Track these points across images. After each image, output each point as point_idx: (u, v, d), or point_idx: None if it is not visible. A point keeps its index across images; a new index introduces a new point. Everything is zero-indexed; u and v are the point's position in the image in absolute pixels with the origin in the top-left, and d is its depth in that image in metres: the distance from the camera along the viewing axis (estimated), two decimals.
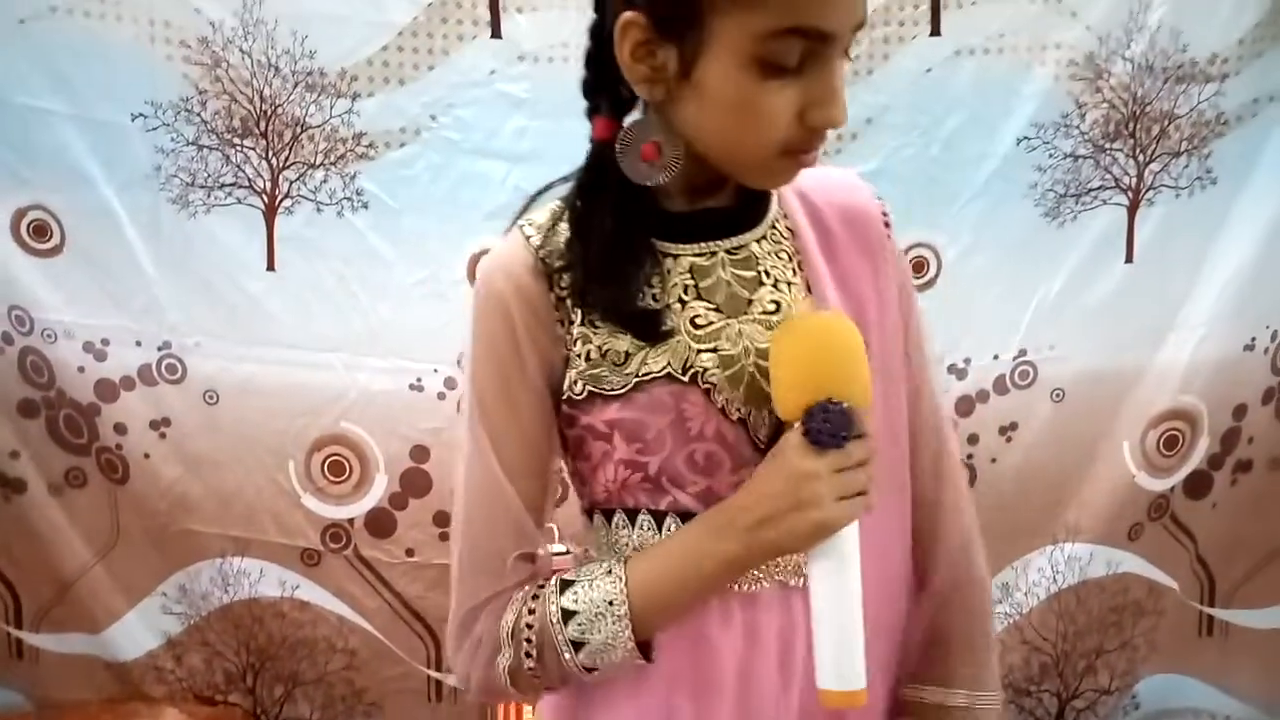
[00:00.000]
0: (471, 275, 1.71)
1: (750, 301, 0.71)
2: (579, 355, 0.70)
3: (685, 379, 0.69)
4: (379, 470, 1.77)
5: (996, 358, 1.81)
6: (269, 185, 1.69)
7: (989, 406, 1.83)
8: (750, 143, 0.65)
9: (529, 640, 0.69)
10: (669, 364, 0.69)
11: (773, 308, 0.71)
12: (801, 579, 0.71)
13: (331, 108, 1.66)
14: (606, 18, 0.68)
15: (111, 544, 1.80)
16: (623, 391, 0.69)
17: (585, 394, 0.70)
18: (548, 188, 0.75)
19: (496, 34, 1.65)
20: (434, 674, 1.86)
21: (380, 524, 1.80)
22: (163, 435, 1.75)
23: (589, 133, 0.72)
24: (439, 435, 1.76)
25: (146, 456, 1.75)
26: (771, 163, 0.66)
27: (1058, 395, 1.83)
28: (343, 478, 1.78)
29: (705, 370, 0.69)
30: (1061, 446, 1.84)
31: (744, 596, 0.71)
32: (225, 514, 1.78)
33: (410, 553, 1.80)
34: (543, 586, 0.71)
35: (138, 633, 1.83)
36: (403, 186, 1.69)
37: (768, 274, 0.72)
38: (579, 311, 0.70)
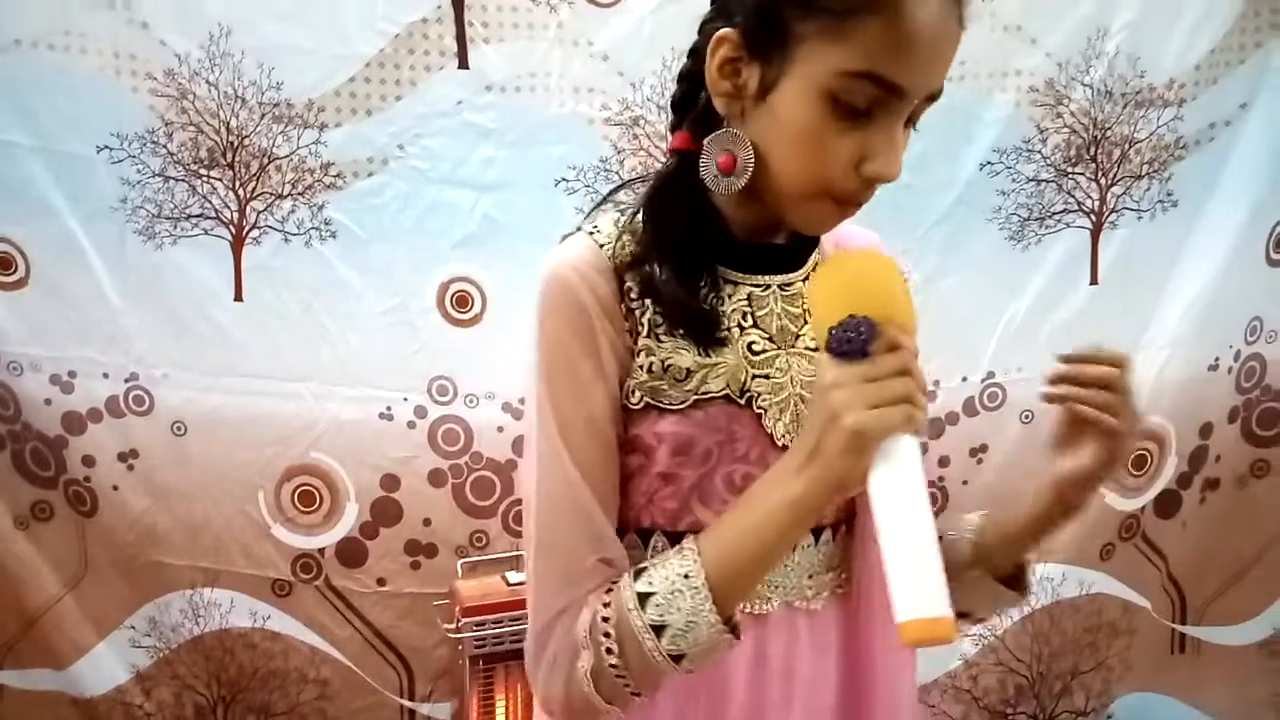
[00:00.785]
0: (440, 304, 1.73)
1: (798, 336, 0.74)
2: (640, 366, 0.71)
3: (741, 401, 0.71)
4: (349, 500, 1.77)
5: (965, 380, 1.82)
6: (236, 216, 1.68)
7: (959, 428, 1.84)
8: (803, 174, 0.67)
9: (607, 635, 0.65)
10: (728, 385, 0.71)
11: (814, 345, 0.74)
12: (805, 600, 0.75)
13: (299, 138, 1.66)
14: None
15: (80, 576, 1.78)
16: (681, 407, 0.71)
17: (642, 405, 0.71)
18: (607, 197, 0.78)
19: (464, 65, 1.66)
20: (406, 703, 1.85)
21: (351, 553, 1.79)
22: (131, 467, 1.74)
23: (665, 148, 0.71)
24: (409, 464, 1.76)
25: (115, 488, 1.74)
26: (816, 204, 0.68)
27: (1027, 416, 1.85)
28: (313, 507, 1.77)
29: (759, 395, 0.72)
30: (1032, 468, 1.85)
31: (754, 616, 0.74)
32: (195, 545, 1.77)
33: (381, 582, 1.80)
34: (616, 581, 0.68)
35: (106, 666, 1.80)
36: (371, 216, 1.69)
37: (810, 312, 0.75)
38: (645, 323, 0.71)
